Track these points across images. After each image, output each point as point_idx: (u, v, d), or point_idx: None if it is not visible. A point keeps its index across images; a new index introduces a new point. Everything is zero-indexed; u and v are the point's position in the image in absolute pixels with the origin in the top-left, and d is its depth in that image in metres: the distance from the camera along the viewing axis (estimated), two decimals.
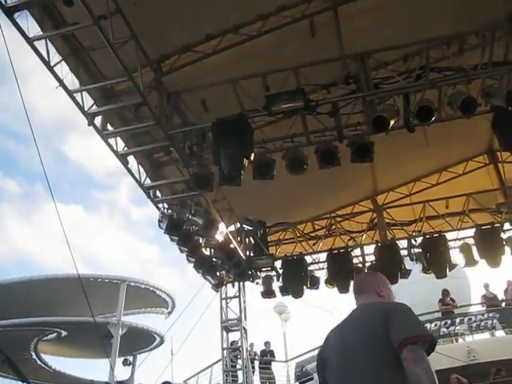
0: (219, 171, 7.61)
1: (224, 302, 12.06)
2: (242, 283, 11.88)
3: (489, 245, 11.02)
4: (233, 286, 11.80)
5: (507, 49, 7.72)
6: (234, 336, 12.02)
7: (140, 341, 29.29)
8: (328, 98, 7.93)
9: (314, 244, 11.80)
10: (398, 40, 7.70)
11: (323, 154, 8.15)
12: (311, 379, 17.27)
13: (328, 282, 11.41)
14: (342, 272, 11.22)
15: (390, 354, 2.63)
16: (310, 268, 11.64)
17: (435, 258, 11.19)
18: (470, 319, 16.02)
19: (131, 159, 8.63)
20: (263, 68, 7.67)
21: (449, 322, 16.00)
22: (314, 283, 11.50)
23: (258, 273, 11.69)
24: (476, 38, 7.94)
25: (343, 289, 11.09)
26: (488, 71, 7.84)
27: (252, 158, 7.51)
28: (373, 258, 11.50)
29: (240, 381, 12.61)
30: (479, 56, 7.71)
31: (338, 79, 8.03)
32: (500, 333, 15.98)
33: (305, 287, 11.31)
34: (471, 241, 11.40)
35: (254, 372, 15.02)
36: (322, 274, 11.65)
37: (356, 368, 2.71)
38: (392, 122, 7.73)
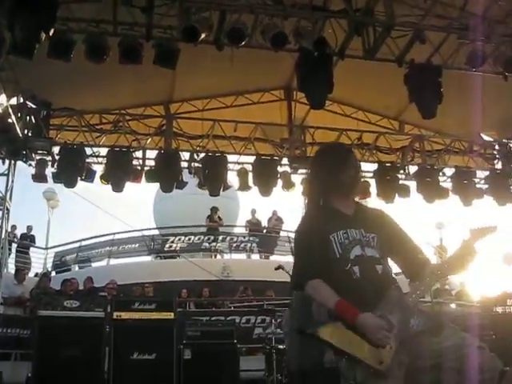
0: (11, 38, 7.17)
1: None
2: (13, 162, 11.40)
3: (264, 174, 11.97)
4: (3, 162, 11.28)
5: None
6: None
7: None
8: None
9: (97, 137, 11.67)
10: None
11: (126, 48, 8.10)
12: (68, 270, 17.49)
13: (103, 177, 11.45)
14: (118, 171, 11.37)
15: None
16: (88, 160, 11.51)
17: (212, 176, 11.82)
18: (232, 239, 17.40)
19: None
20: None
21: (212, 237, 17.21)
22: (89, 176, 11.45)
23: (33, 154, 11.31)
24: None
25: (117, 187, 11.32)
26: (305, 13, 8.39)
27: (51, 33, 7.18)
28: (153, 163, 11.77)
29: None
30: None
31: None
32: (256, 256, 17.67)
33: (79, 178, 11.26)
34: (249, 167, 12.29)
35: (10, 254, 14.72)
36: (99, 169, 11.69)
37: None
38: (203, 35, 7.96)
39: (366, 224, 3.27)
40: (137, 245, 17.76)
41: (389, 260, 3.29)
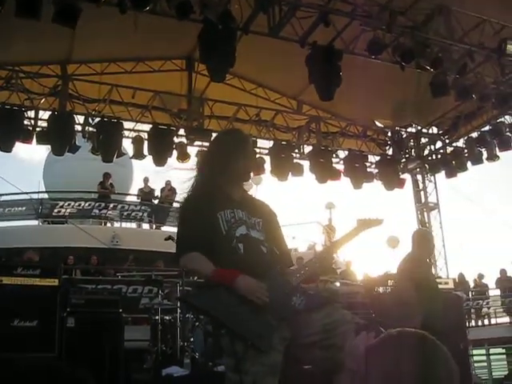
0: None
1: None
2: None
3: (160, 144, 11.91)
4: None
5: None
6: None
7: None
8: None
9: None
10: None
11: (23, 2, 7.76)
12: None
13: None
14: (8, 129, 10.87)
15: None
16: None
17: (107, 142, 11.62)
18: (123, 207, 17.18)
19: None
20: None
21: (103, 205, 16.90)
22: None
23: None
24: None
25: (6, 147, 10.85)
26: None
27: None
28: (45, 124, 11.40)
29: None
30: None
31: None
32: (146, 226, 17.58)
33: None
34: (145, 135, 12.18)
35: None
36: None
37: None
38: None
39: (252, 210, 3.40)
40: (24, 208, 17.14)
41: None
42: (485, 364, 14.41)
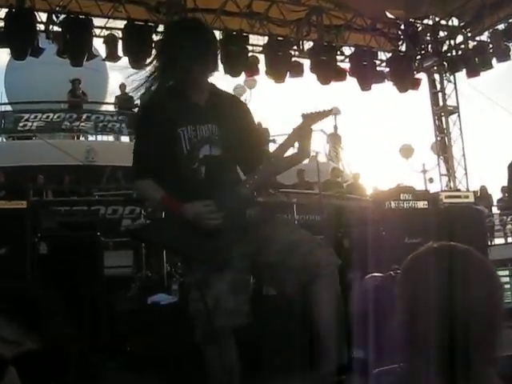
0: None
1: None
2: None
3: (137, 43, 11.66)
4: None
5: None
6: None
7: None
8: None
9: None
10: None
11: None
12: None
13: None
14: None
15: None
16: None
17: (75, 43, 11.41)
18: (98, 118, 17.03)
19: None
20: None
21: (74, 116, 16.75)
22: None
23: None
24: None
25: None
26: None
27: None
28: (2, 24, 11.13)
29: None
30: None
31: None
32: (125, 138, 17.51)
33: None
34: (119, 34, 11.92)
35: None
36: None
37: None
38: None
39: (217, 116, 3.38)
40: None
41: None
42: (508, 286, 14.69)
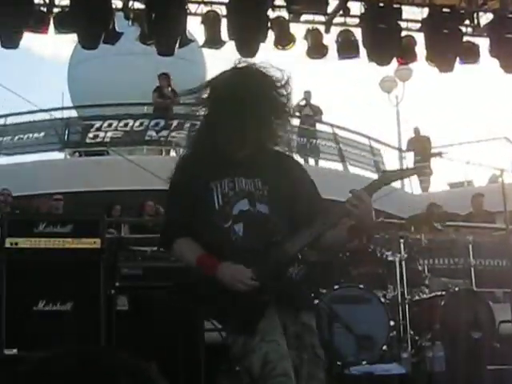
0: None
1: None
2: None
3: (246, 22, 11.80)
4: None
5: None
6: None
7: None
8: None
9: None
10: None
11: None
12: None
13: None
14: (10, 13, 11.09)
15: None
16: None
17: (163, 24, 11.66)
18: (194, 125, 17.03)
19: None
20: None
21: (162, 123, 17.00)
22: None
23: None
24: None
25: (9, 41, 11.15)
26: None
27: None
28: (66, 0, 11.50)
29: None
30: None
31: None
32: None
33: None
34: (221, 10, 12.08)
35: None
36: None
37: None
38: None
39: (262, 171, 4.01)
40: (42, 134, 17.67)
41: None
42: None
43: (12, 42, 11.22)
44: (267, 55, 12.30)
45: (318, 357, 3.94)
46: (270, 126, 4.05)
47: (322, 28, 12.32)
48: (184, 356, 7.40)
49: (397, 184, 20.02)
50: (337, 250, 7.58)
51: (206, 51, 15.18)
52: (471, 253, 9.99)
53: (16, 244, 7.97)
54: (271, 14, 12.17)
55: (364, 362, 7.61)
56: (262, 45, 11.95)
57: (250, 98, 3.87)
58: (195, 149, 4.16)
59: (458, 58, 12.83)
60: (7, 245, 7.93)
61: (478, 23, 13.30)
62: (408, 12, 12.90)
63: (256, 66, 4.13)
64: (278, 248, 3.83)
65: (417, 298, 9.00)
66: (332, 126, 20.42)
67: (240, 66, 4.17)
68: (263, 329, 3.71)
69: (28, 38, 11.40)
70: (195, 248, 3.92)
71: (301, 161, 18.59)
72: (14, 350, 7.76)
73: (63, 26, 11.54)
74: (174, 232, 4.03)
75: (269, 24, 12.04)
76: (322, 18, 12.27)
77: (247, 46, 11.80)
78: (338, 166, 19.95)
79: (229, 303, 3.78)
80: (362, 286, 8.14)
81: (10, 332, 7.76)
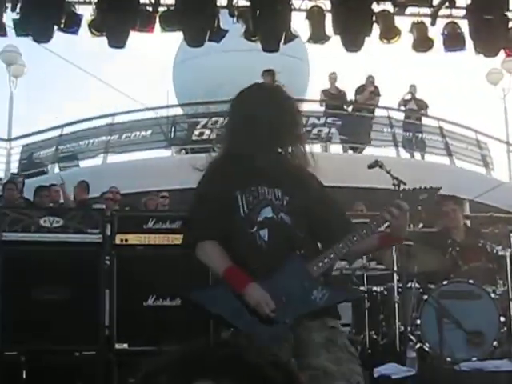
0: None
1: None
2: None
3: (351, 16, 11.74)
4: None
5: None
6: None
7: None
8: None
9: None
10: None
11: None
12: (43, 173, 17.91)
13: (94, 25, 11.33)
14: (117, 14, 11.23)
15: None
16: None
17: (267, 20, 11.63)
18: None
19: None
20: None
21: None
22: (72, 23, 11.34)
23: None
24: None
25: (116, 40, 11.30)
26: None
27: None
28: (172, 1, 11.59)
29: None
30: None
31: None
32: (336, 148, 17.69)
33: (56, 27, 11.22)
34: (327, 5, 12.04)
35: None
36: (87, 12, 11.58)
37: None
38: None
39: (284, 183, 4.27)
40: (149, 132, 17.90)
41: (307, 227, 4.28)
42: None
43: (119, 42, 11.42)
44: (372, 48, 12.28)
45: (352, 355, 4.09)
46: (291, 141, 4.32)
47: (427, 21, 12.18)
48: None
49: (505, 177, 19.74)
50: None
51: (309, 48, 15.08)
52: None
53: (126, 240, 8.11)
54: (376, 7, 12.09)
55: (474, 359, 7.45)
56: (366, 38, 11.91)
57: (275, 114, 4.19)
58: (222, 158, 4.38)
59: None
60: (117, 241, 8.09)
61: None
62: None
63: (281, 87, 4.46)
64: (302, 269, 4.08)
65: None
66: (438, 119, 20.18)
67: (266, 84, 4.88)
68: None
69: (133, 38, 11.49)
70: (223, 257, 4.10)
71: (407, 155, 18.76)
72: (125, 345, 7.92)
73: (169, 24, 11.70)
74: (199, 232, 4.22)
75: (373, 18, 11.97)
76: (427, 11, 12.12)
77: (353, 40, 11.78)
78: (445, 160, 19.68)
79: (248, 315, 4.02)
80: (471, 281, 7.98)
81: (120, 327, 7.92)
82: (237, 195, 4.14)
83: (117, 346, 7.91)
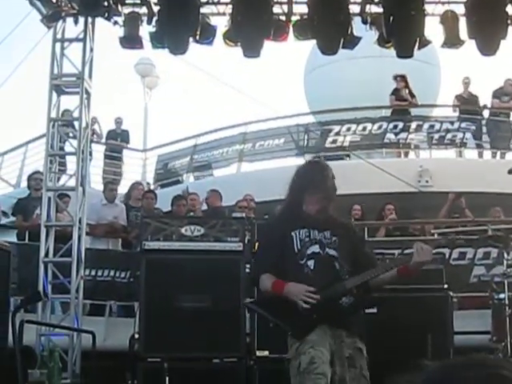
0: None
1: (59, 45, 11.62)
2: (90, 19, 11.56)
3: (486, 19, 11.55)
4: (76, 22, 11.33)
5: None
6: (70, 102, 12.00)
7: None
8: None
9: None
10: None
11: None
12: (178, 182, 18.26)
13: (229, 36, 11.53)
14: (251, 24, 11.37)
15: None
16: (203, 10, 11.66)
17: (401, 26, 11.51)
18: (432, 127, 16.98)
19: None
20: None
21: (400, 125, 16.82)
22: (207, 35, 11.52)
23: (120, 7, 11.50)
24: None
25: (251, 50, 11.42)
26: None
27: None
28: (304, 8, 11.60)
29: (71, 171, 13.00)
30: None
31: None
32: (471, 153, 17.37)
33: (191, 39, 11.47)
34: (460, 9, 11.89)
35: (91, 160, 15.30)
36: (222, 23, 11.79)
37: None
38: None
39: (331, 228, 5.65)
40: (282, 140, 17.96)
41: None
42: None
43: (254, 52, 11.54)
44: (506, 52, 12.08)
45: (364, 377, 5.29)
46: (334, 199, 5.86)
47: None
48: (432, 358, 7.35)
49: None
50: None
51: (441, 54, 14.92)
52: None
53: None
54: (511, 9, 11.89)
55: None
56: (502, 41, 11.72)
57: (326, 180, 5.77)
58: (280, 210, 6.34)
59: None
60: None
61: None
62: None
63: (326, 162, 6.31)
64: (340, 281, 5.41)
65: None
66: None
67: (317, 160, 6.93)
68: (314, 340, 5.20)
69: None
70: (271, 278, 5.48)
71: None
72: (266, 352, 8.08)
73: (303, 33, 11.75)
74: (259, 270, 5.72)
75: (508, 21, 11.78)
76: None
77: (488, 44, 11.61)
78: None
79: (290, 316, 5.37)
80: None
81: (261, 334, 8.07)
82: (293, 235, 5.58)
83: (258, 353, 8.08)
